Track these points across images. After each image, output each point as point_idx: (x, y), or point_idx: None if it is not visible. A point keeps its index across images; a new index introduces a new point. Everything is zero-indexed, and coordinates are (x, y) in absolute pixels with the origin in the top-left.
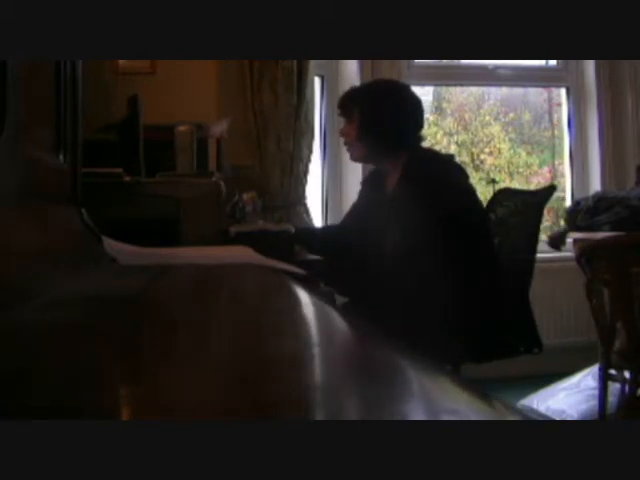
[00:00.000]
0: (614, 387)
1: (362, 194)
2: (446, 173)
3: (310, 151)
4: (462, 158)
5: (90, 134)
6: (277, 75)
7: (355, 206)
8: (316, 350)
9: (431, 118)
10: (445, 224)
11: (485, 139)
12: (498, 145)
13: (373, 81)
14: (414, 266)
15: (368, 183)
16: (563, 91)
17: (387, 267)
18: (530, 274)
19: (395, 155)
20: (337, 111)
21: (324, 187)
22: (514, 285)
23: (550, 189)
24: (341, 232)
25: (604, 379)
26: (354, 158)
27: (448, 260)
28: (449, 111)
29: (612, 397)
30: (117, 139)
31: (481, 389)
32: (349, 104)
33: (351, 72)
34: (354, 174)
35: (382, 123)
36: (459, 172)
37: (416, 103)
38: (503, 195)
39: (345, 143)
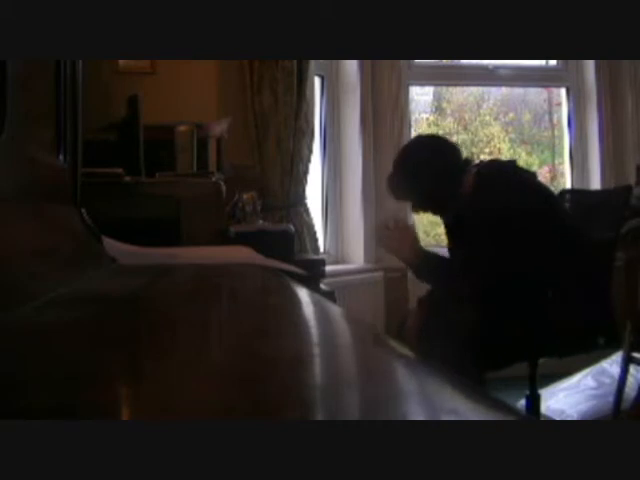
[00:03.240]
0: (634, 381)
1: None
2: (511, 188)
3: (310, 151)
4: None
5: (90, 134)
6: (277, 75)
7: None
8: (316, 350)
9: (431, 118)
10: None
11: (485, 139)
12: (498, 145)
13: (399, 158)
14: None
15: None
16: (563, 91)
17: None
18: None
19: (458, 185)
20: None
21: (324, 187)
22: (595, 284)
23: (627, 189)
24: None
25: (627, 362)
26: (446, 215)
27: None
28: (449, 111)
29: (632, 392)
30: (117, 139)
31: (481, 389)
32: (395, 191)
33: (351, 72)
34: (354, 174)
35: (432, 189)
36: (525, 180)
37: (445, 148)
38: (569, 196)
39: (427, 211)
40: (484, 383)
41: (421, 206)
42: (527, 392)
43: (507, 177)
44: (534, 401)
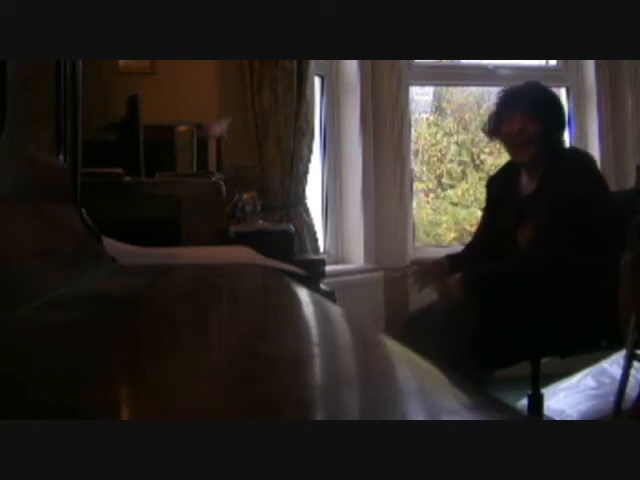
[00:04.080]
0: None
1: (495, 194)
2: (590, 173)
3: (310, 151)
4: (462, 158)
5: (90, 134)
6: (277, 75)
7: (489, 210)
8: (316, 350)
9: (431, 118)
10: (589, 223)
11: (485, 139)
12: (498, 145)
13: (532, 82)
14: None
15: (501, 183)
16: (563, 91)
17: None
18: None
19: (547, 155)
20: (499, 104)
21: (324, 187)
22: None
23: (636, 193)
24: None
25: (630, 359)
26: (527, 157)
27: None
28: (449, 111)
29: (632, 392)
30: (117, 139)
31: (481, 389)
32: (529, 101)
33: (351, 72)
34: (354, 174)
35: (561, 124)
36: (596, 169)
37: (562, 105)
38: None
39: (516, 143)
40: (483, 383)
41: (521, 129)
42: (529, 392)
43: (586, 168)
44: (536, 401)
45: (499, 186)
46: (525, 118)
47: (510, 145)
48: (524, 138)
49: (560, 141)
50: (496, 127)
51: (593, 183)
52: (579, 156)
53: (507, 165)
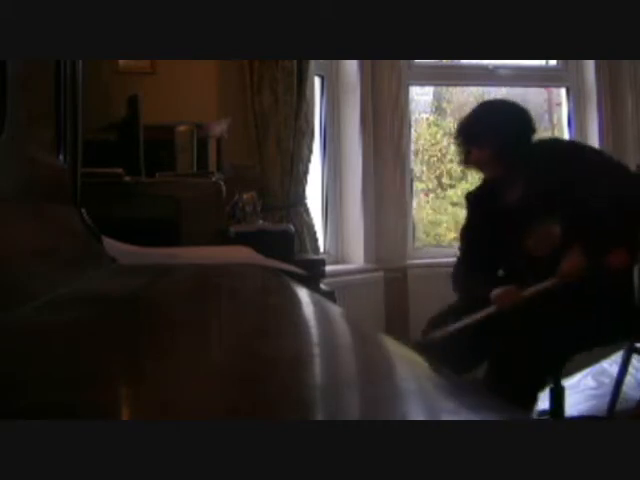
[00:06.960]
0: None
1: (480, 211)
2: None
3: (310, 151)
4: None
5: (90, 134)
6: (277, 75)
7: (475, 229)
8: (316, 350)
9: (431, 118)
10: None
11: None
12: None
13: (480, 106)
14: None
15: (484, 198)
16: (563, 91)
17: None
18: None
19: (520, 160)
20: (455, 142)
21: (324, 187)
22: None
23: None
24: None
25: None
26: (490, 177)
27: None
28: (449, 111)
29: (631, 391)
30: (117, 139)
31: (481, 389)
32: (473, 134)
33: (351, 72)
34: (354, 174)
35: (511, 139)
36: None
37: (522, 111)
38: None
39: (476, 168)
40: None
41: (477, 160)
42: (551, 385)
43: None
44: (557, 394)
45: (483, 202)
46: (476, 150)
47: (478, 171)
48: (484, 164)
49: (525, 147)
50: (461, 159)
51: (581, 156)
52: (551, 145)
53: (485, 181)
